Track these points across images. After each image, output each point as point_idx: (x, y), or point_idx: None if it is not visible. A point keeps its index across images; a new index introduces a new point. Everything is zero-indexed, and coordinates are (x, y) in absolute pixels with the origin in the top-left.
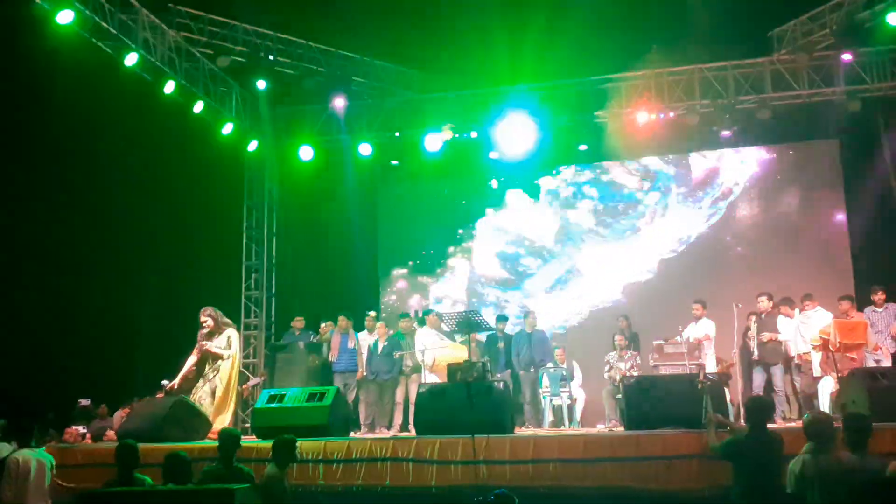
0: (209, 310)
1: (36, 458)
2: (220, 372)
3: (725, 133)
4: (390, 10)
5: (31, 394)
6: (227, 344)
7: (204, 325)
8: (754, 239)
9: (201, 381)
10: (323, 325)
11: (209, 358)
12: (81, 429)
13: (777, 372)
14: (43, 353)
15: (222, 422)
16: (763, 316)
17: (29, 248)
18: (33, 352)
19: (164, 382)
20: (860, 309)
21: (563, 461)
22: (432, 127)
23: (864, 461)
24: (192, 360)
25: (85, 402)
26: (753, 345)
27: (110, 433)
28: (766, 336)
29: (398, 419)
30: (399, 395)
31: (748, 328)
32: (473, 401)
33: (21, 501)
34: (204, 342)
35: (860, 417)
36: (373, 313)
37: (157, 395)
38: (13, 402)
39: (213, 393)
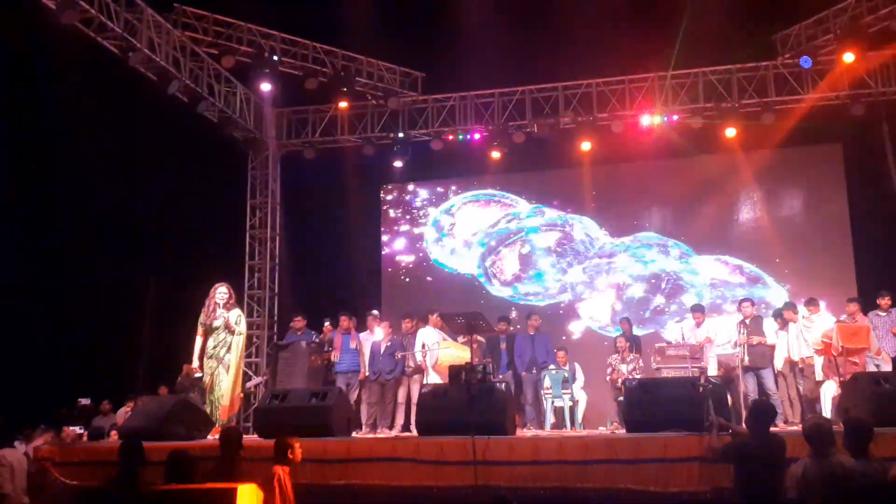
0: (227, 284)
1: (17, 457)
2: (230, 351)
3: (727, 136)
4: (395, 11)
5: (32, 393)
6: (236, 321)
7: (223, 295)
8: (757, 243)
9: (213, 360)
10: (326, 324)
11: (214, 334)
12: (78, 429)
13: (767, 375)
14: (45, 352)
15: (235, 402)
16: (748, 321)
17: (32, 245)
18: (35, 350)
19: (196, 367)
20: (865, 313)
21: (563, 463)
22: (435, 127)
23: (866, 466)
24: (200, 340)
25: (85, 401)
26: (743, 351)
27: (113, 433)
28: (755, 339)
29: (400, 419)
30: (401, 396)
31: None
32: (475, 402)
33: (19, 499)
34: (222, 312)
35: (862, 422)
36: (376, 312)
37: (161, 391)
38: (14, 401)
39: (228, 371)
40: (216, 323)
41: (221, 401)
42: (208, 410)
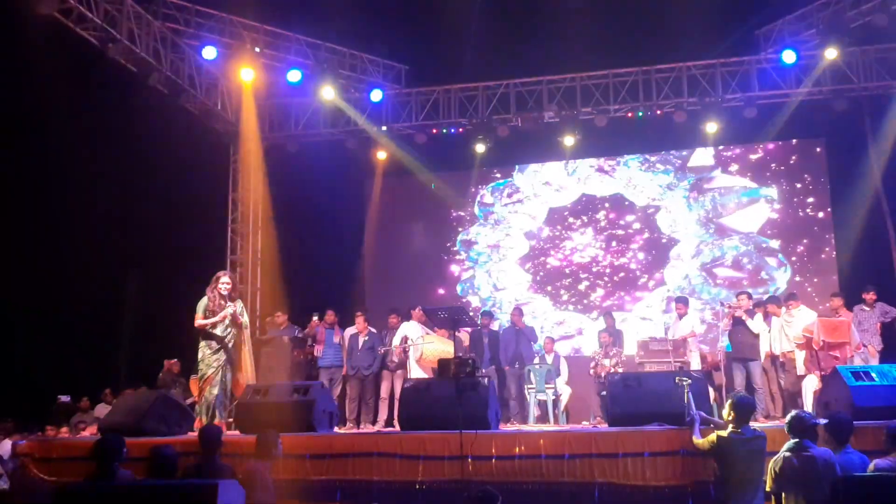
0: (229, 273)
1: None
2: (235, 344)
3: (711, 131)
4: (378, 3)
5: (11, 389)
6: (242, 312)
7: (227, 285)
8: (739, 237)
9: (222, 352)
10: (314, 318)
11: (221, 324)
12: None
13: (755, 368)
14: (25, 348)
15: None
16: (744, 315)
17: (8, 240)
18: (14, 346)
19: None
20: (849, 307)
21: (546, 457)
22: (419, 121)
23: (846, 458)
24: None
25: (64, 398)
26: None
27: (91, 428)
28: (737, 313)
29: (383, 414)
30: (384, 390)
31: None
32: (462, 396)
33: None
34: (230, 305)
35: (842, 415)
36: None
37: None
38: None
39: (233, 367)
40: (224, 312)
41: (228, 391)
42: (208, 405)
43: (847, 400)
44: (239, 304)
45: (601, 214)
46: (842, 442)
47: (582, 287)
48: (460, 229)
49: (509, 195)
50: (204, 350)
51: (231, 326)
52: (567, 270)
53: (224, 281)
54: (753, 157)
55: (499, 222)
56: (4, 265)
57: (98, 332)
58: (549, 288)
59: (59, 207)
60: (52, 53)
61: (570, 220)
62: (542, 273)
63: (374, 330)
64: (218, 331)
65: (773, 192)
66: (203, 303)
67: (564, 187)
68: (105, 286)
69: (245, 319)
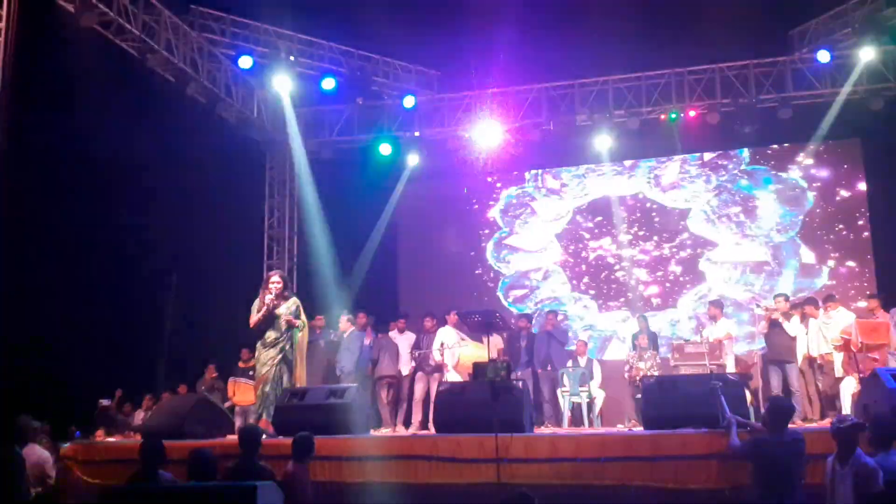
0: (279, 272)
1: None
2: (293, 345)
3: (746, 132)
4: (411, 10)
5: (53, 394)
6: (297, 313)
7: (276, 284)
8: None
9: (275, 351)
10: (343, 318)
11: (276, 323)
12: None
13: (792, 371)
14: (65, 353)
15: None
16: (781, 317)
17: (52, 247)
18: (55, 351)
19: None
20: (886, 308)
21: (580, 460)
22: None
23: (891, 461)
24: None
25: (106, 402)
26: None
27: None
28: (774, 315)
29: (418, 416)
30: (419, 392)
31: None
32: (497, 399)
33: None
34: (276, 302)
35: (884, 418)
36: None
37: (181, 390)
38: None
39: (290, 367)
40: (279, 310)
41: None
42: (262, 404)
43: (887, 402)
44: (293, 305)
45: (636, 215)
46: (884, 444)
47: (612, 288)
48: (493, 225)
49: (543, 190)
50: (259, 349)
51: (281, 321)
52: (600, 271)
53: (273, 280)
54: (791, 160)
55: (531, 216)
56: (47, 270)
57: (137, 337)
58: (581, 286)
59: (98, 214)
60: (92, 64)
61: (603, 219)
62: (574, 272)
63: (398, 333)
64: (271, 331)
65: (812, 196)
66: (255, 304)
67: (601, 185)
68: (145, 292)
69: (302, 320)
